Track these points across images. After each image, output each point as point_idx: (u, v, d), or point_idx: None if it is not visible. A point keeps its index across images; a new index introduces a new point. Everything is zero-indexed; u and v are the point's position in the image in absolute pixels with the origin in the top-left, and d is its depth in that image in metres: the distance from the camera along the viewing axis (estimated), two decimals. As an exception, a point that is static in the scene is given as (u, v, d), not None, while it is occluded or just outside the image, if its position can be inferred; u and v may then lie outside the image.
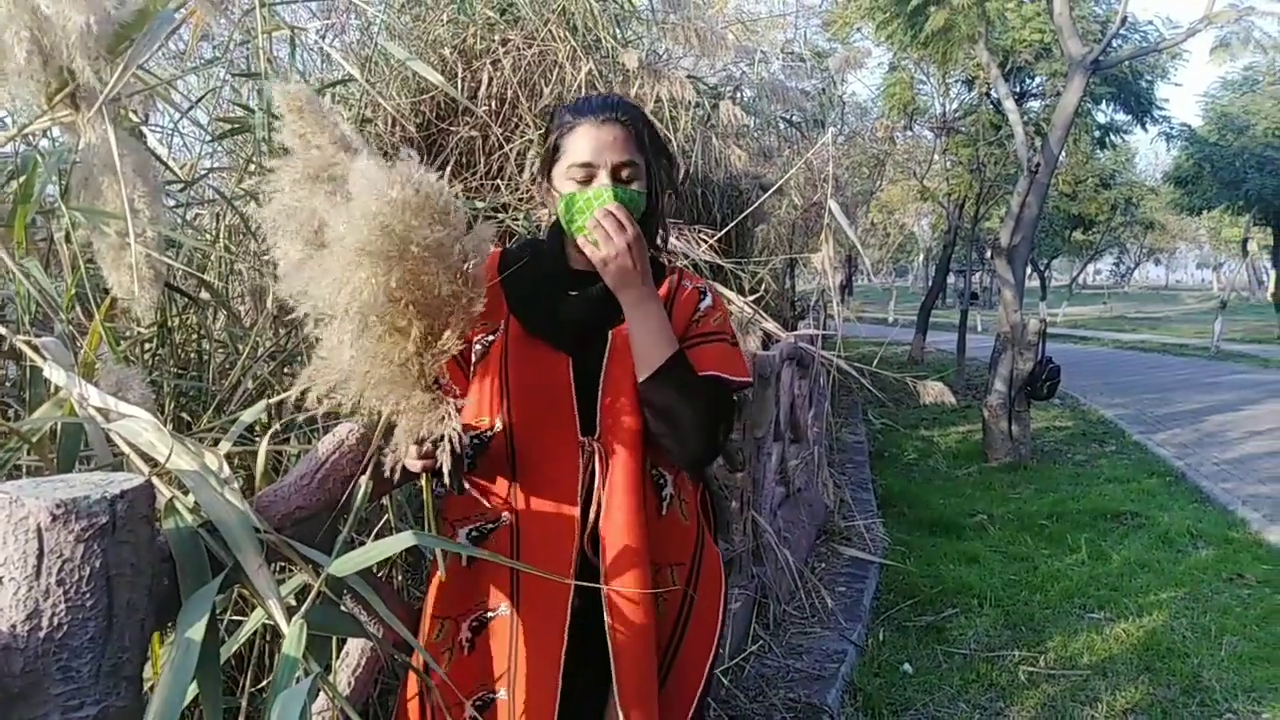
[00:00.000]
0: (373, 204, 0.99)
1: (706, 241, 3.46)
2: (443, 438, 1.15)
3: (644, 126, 1.46)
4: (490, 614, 1.40)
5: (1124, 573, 4.50)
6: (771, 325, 3.81)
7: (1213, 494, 6.09)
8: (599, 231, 1.36)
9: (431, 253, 1.02)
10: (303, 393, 1.10)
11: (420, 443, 1.16)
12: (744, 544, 3.38)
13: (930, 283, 16.72)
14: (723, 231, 3.71)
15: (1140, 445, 7.93)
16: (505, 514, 1.41)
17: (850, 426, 8.17)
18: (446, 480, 1.18)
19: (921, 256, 28.54)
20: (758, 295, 4.20)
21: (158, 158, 1.60)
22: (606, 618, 1.36)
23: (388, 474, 1.18)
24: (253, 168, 2.02)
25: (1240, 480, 6.48)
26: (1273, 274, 23.98)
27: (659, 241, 1.54)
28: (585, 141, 1.40)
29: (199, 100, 2.24)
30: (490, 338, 1.44)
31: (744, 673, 3.07)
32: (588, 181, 1.40)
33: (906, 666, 3.39)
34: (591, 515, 1.38)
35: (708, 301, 1.50)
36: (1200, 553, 4.84)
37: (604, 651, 1.36)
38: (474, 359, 1.44)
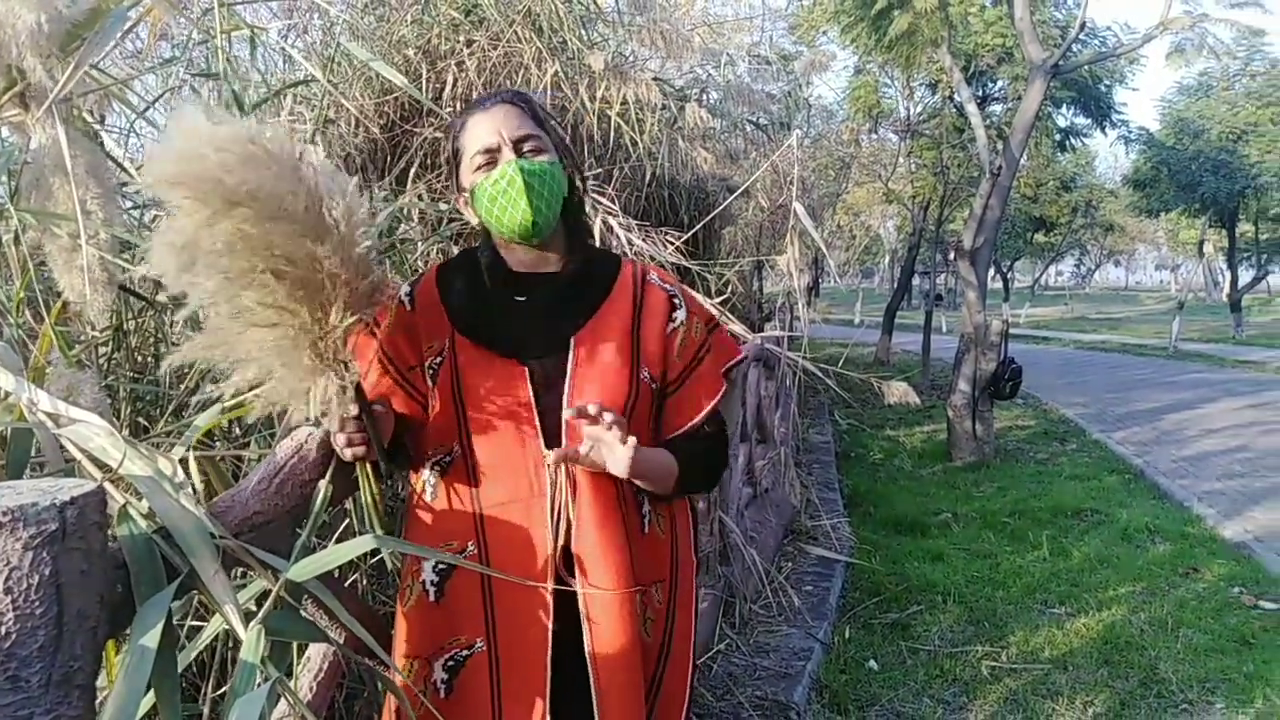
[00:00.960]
0: (183, 142, 0.96)
1: (673, 244, 3.47)
2: (357, 416, 1.17)
3: (536, 105, 1.40)
4: (466, 652, 1.31)
5: (1084, 568, 4.57)
6: (738, 327, 3.82)
7: (1170, 491, 6.21)
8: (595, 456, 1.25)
9: (266, 201, 0.99)
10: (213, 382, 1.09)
11: (318, 423, 1.15)
12: (711, 544, 3.39)
13: (895, 284, 16.87)
14: (689, 233, 3.71)
15: (1100, 443, 8.06)
16: (471, 543, 1.32)
17: (817, 427, 8.23)
18: (343, 455, 1.19)
19: (887, 258, 28.81)
20: (724, 297, 4.22)
21: (113, 159, 1.58)
22: (587, 646, 1.29)
23: (330, 474, 1.18)
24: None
25: (1196, 477, 6.61)
26: (1228, 275, 24.49)
27: (585, 221, 1.49)
28: (479, 128, 1.34)
29: (156, 100, 2.21)
30: (438, 359, 1.36)
31: (711, 671, 3.08)
32: (493, 165, 1.32)
33: (872, 663, 3.42)
34: (562, 535, 1.29)
35: (682, 314, 1.41)
36: (1158, 548, 4.93)
37: (589, 676, 1.29)
38: (429, 384, 1.36)
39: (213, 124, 0.98)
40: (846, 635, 3.65)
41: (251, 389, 1.11)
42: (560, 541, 1.29)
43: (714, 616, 3.34)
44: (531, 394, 1.31)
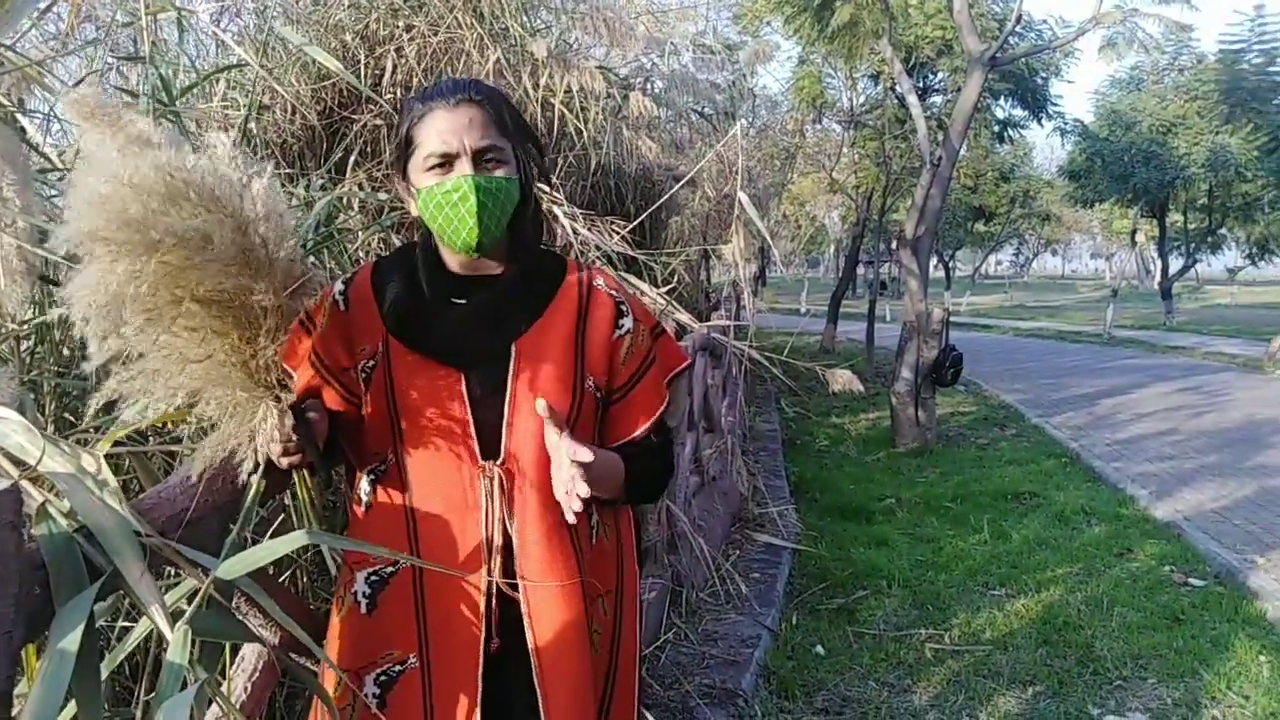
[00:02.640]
0: (102, 188, 0.92)
1: (619, 233, 3.45)
2: (298, 426, 1.14)
3: (505, 107, 1.31)
4: (399, 667, 1.27)
5: (1023, 551, 4.68)
6: (685, 316, 3.82)
7: (1105, 473, 6.38)
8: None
9: (193, 243, 0.95)
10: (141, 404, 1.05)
11: (251, 438, 1.11)
12: (659, 533, 3.40)
13: (840, 274, 17.08)
14: (635, 222, 3.70)
15: (1038, 428, 8.25)
16: (405, 555, 1.28)
17: (764, 415, 8.29)
18: (280, 464, 1.17)
19: (832, 248, 29.13)
20: (670, 287, 4.22)
21: (30, 144, 1.51)
22: (534, 665, 1.25)
23: (251, 473, 1.15)
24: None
25: (1129, 460, 6.81)
26: (1159, 264, 25.23)
27: (539, 234, 1.42)
28: (439, 127, 1.24)
29: (77, 83, 2.12)
30: (371, 363, 1.30)
31: (660, 661, 3.09)
32: (447, 169, 1.25)
33: (819, 648, 3.46)
34: (500, 549, 1.25)
35: (629, 321, 1.35)
36: (1094, 529, 5.07)
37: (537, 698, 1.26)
38: (362, 387, 1.31)
39: (127, 159, 0.93)
40: (794, 621, 3.68)
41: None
42: (498, 557, 1.25)
43: (662, 606, 3.35)
44: (468, 402, 1.27)
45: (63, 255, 0.94)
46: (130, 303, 0.95)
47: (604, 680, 1.36)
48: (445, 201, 1.23)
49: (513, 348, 1.28)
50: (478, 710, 1.24)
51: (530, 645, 1.26)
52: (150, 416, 1.06)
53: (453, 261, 1.32)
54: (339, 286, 1.35)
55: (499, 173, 1.26)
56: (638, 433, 1.35)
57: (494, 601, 1.26)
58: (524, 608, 1.26)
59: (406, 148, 1.29)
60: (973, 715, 2.98)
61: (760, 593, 3.83)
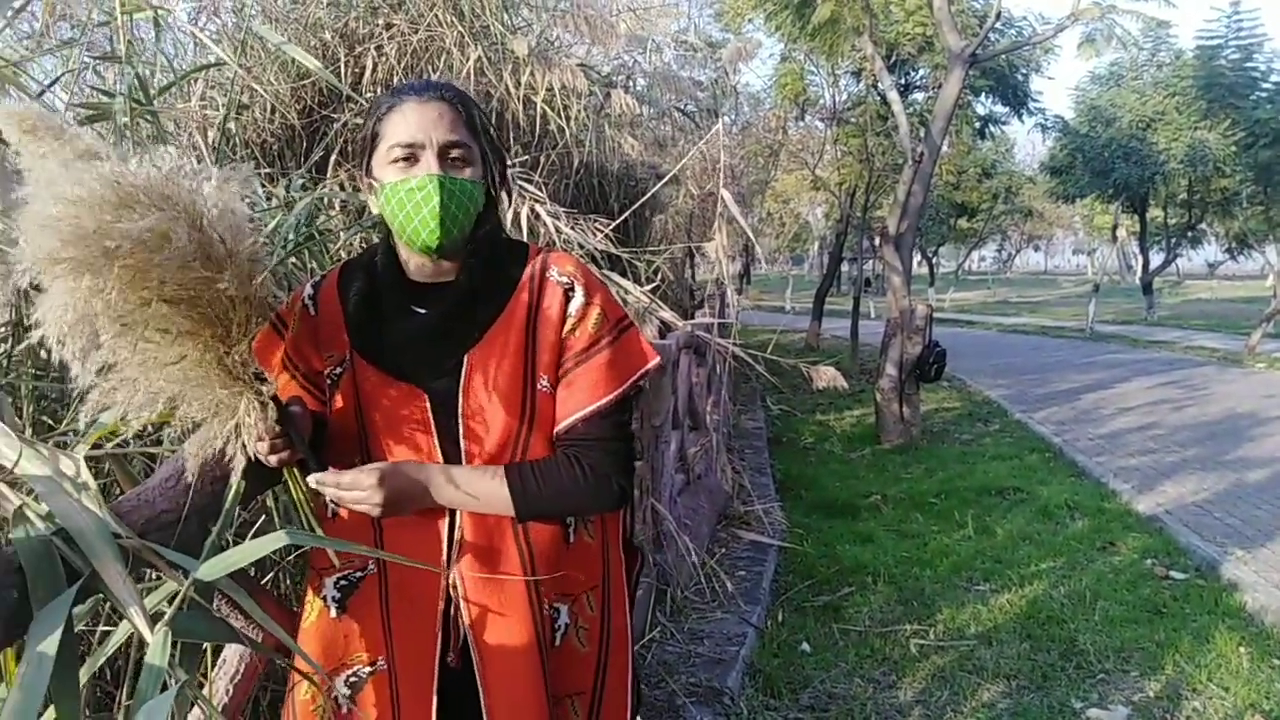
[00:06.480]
0: (52, 209, 0.90)
1: (602, 231, 3.45)
2: (281, 424, 1.13)
3: (475, 110, 1.28)
4: (368, 669, 1.29)
5: (1008, 545, 4.71)
6: (669, 314, 3.83)
7: (1088, 468, 6.43)
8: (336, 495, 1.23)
9: (151, 244, 0.94)
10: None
11: (237, 434, 1.10)
12: (644, 532, 3.40)
13: (824, 271, 17.13)
14: (619, 221, 3.70)
15: (1022, 424, 8.31)
16: (371, 563, 1.30)
17: (749, 413, 8.31)
18: (268, 461, 1.16)
19: (816, 245, 29.21)
20: (654, 285, 4.22)
21: (4, 143, 1.50)
22: (478, 677, 1.26)
23: (240, 471, 1.14)
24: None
25: (1112, 454, 6.86)
26: (1140, 259, 25.43)
27: (499, 240, 1.35)
28: (407, 119, 1.22)
29: (52, 83, 2.11)
30: (338, 370, 1.30)
31: (646, 660, 3.09)
32: (412, 163, 1.22)
33: (805, 646, 3.47)
34: (459, 560, 1.26)
35: (578, 300, 1.29)
36: (1077, 524, 5.11)
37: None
38: (327, 391, 1.31)
39: (71, 173, 0.92)
40: (780, 619, 3.69)
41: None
42: (457, 567, 1.27)
43: (647, 604, 3.35)
44: (431, 415, 1.27)
45: (26, 282, 0.93)
46: (100, 314, 0.94)
47: (594, 675, 1.36)
48: (408, 199, 1.21)
49: (465, 360, 1.26)
50: (433, 714, 1.25)
51: (474, 655, 1.26)
52: (134, 425, 1.05)
53: (411, 263, 1.30)
54: (308, 290, 1.35)
55: (466, 173, 1.24)
56: (569, 420, 1.28)
57: (453, 610, 1.27)
58: (465, 613, 1.26)
59: (372, 141, 1.26)
60: (957, 710, 3.00)
61: (746, 590, 3.84)
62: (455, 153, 1.23)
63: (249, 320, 1.05)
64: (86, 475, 1.03)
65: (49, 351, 0.95)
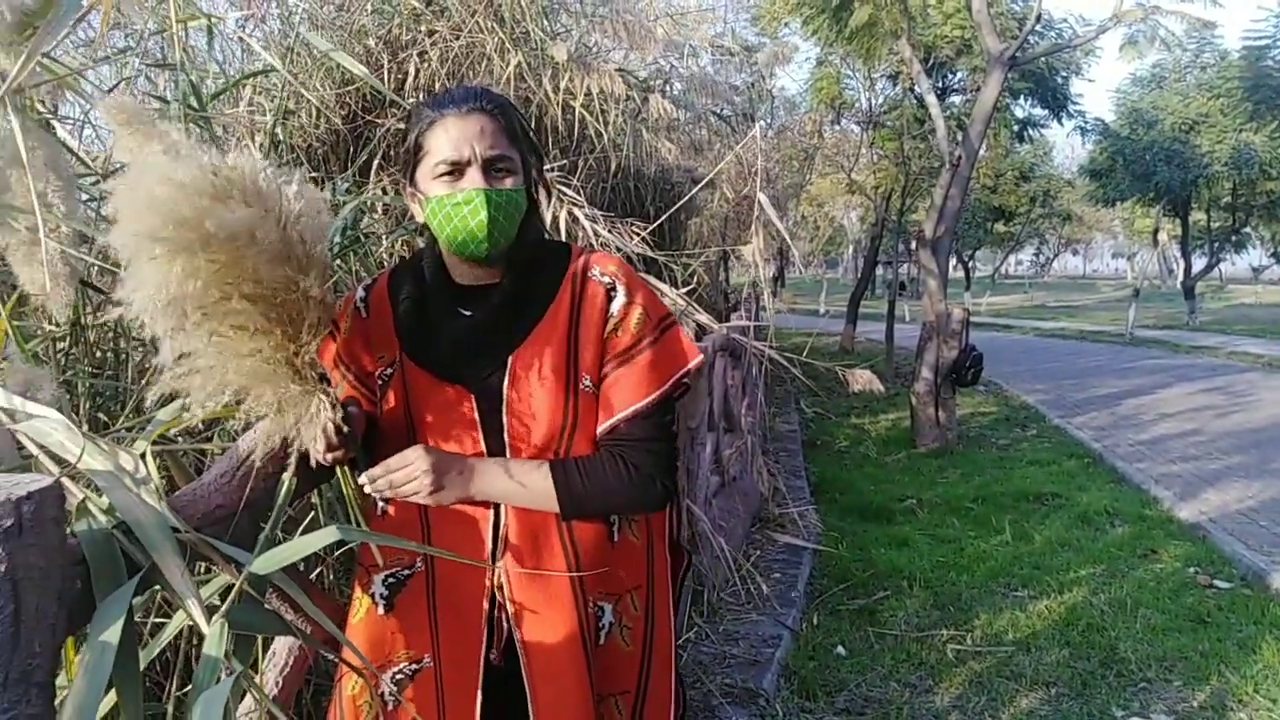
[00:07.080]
0: (157, 189, 0.94)
1: (639, 234, 3.47)
2: (340, 428, 1.15)
3: (514, 116, 1.32)
4: (414, 666, 1.32)
5: (1046, 552, 4.65)
6: (704, 317, 3.84)
7: (1128, 474, 6.33)
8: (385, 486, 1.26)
9: (241, 237, 0.98)
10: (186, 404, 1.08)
11: (290, 439, 1.13)
12: (680, 533, 3.40)
13: (859, 274, 17.02)
14: (655, 224, 3.72)
15: (1060, 429, 8.19)
16: (419, 560, 1.33)
17: (784, 415, 8.28)
18: (323, 460, 1.18)
19: (850, 248, 29.05)
20: (690, 288, 4.23)
21: (70, 150, 1.54)
22: (524, 672, 1.28)
23: (293, 468, 1.17)
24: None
25: (1153, 460, 6.75)
26: (1182, 263, 24.97)
27: (541, 238, 1.40)
28: (450, 135, 1.25)
29: (110, 90, 2.16)
30: (389, 370, 1.33)
31: (681, 660, 3.09)
32: (457, 177, 1.26)
33: (840, 649, 3.46)
34: (500, 562, 1.29)
35: (619, 300, 1.30)
36: (1117, 530, 5.03)
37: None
38: (378, 391, 1.34)
39: (173, 161, 0.96)
40: (815, 622, 3.68)
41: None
42: (504, 565, 1.29)
43: (683, 605, 3.36)
44: (477, 415, 1.29)
45: (113, 259, 0.97)
46: (189, 299, 0.98)
47: (638, 673, 1.38)
48: (455, 213, 1.25)
49: (508, 361, 1.29)
50: (476, 713, 1.27)
51: (520, 653, 1.28)
52: (199, 414, 1.09)
53: (456, 268, 1.34)
54: (360, 293, 1.39)
55: (508, 182, 1.28)
56: (602, 427, 1.30)
57: (497, 608, 1.29)
58: (510, 611, 1.28)
59: (415, 153, 1.30)
60: (995, 716, 2.97)
61: (781, 593, 3.83)
62: (500, 165, 1.27)
63: (319, 322, 1.08)
64: (146, 470, 1.06)
65: (103, 345, 0.98)
